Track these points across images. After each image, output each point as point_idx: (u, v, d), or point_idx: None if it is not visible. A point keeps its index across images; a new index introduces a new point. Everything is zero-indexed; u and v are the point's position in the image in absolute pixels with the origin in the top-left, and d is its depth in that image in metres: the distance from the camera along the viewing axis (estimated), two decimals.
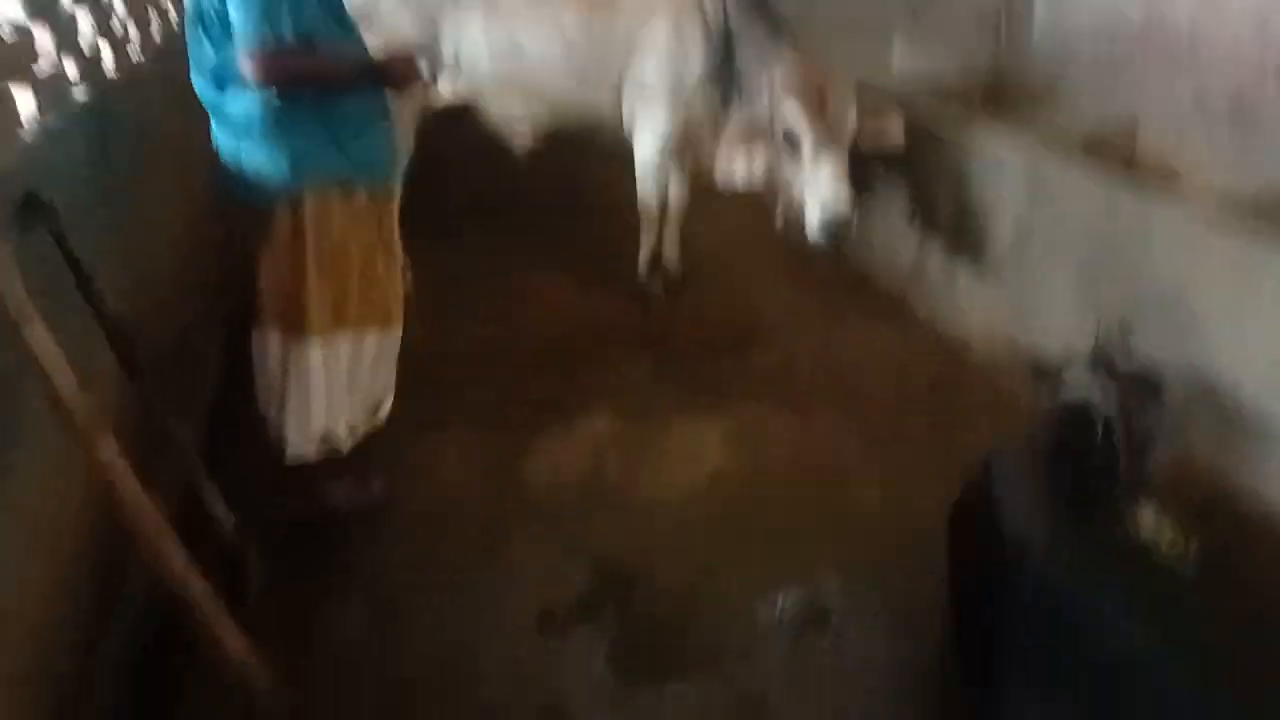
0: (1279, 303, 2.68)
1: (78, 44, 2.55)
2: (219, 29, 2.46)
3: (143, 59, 3.10)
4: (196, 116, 2.76)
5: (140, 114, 2.94)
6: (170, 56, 3.25)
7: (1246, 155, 3.95)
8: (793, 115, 3.69)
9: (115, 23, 2.93)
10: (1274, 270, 2.69)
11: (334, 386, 2.79)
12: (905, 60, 5.89)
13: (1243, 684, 1.82)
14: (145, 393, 2.27)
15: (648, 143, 4.20)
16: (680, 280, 4.62)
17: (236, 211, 2.64)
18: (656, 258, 4.53)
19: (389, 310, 2.86)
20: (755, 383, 3.84)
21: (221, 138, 2.60)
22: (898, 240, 4.39)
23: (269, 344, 2.71)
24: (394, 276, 2.85)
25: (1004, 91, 5.23)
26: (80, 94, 2.48)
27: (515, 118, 4.31)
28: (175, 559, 1.97)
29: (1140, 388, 2.50)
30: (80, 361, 2.04)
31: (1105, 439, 2.39)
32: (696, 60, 4.03)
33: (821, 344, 4.14)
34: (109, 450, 1.86)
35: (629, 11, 4.05)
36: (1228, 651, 1.90)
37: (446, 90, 4.19)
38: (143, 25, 3.23)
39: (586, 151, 4.71)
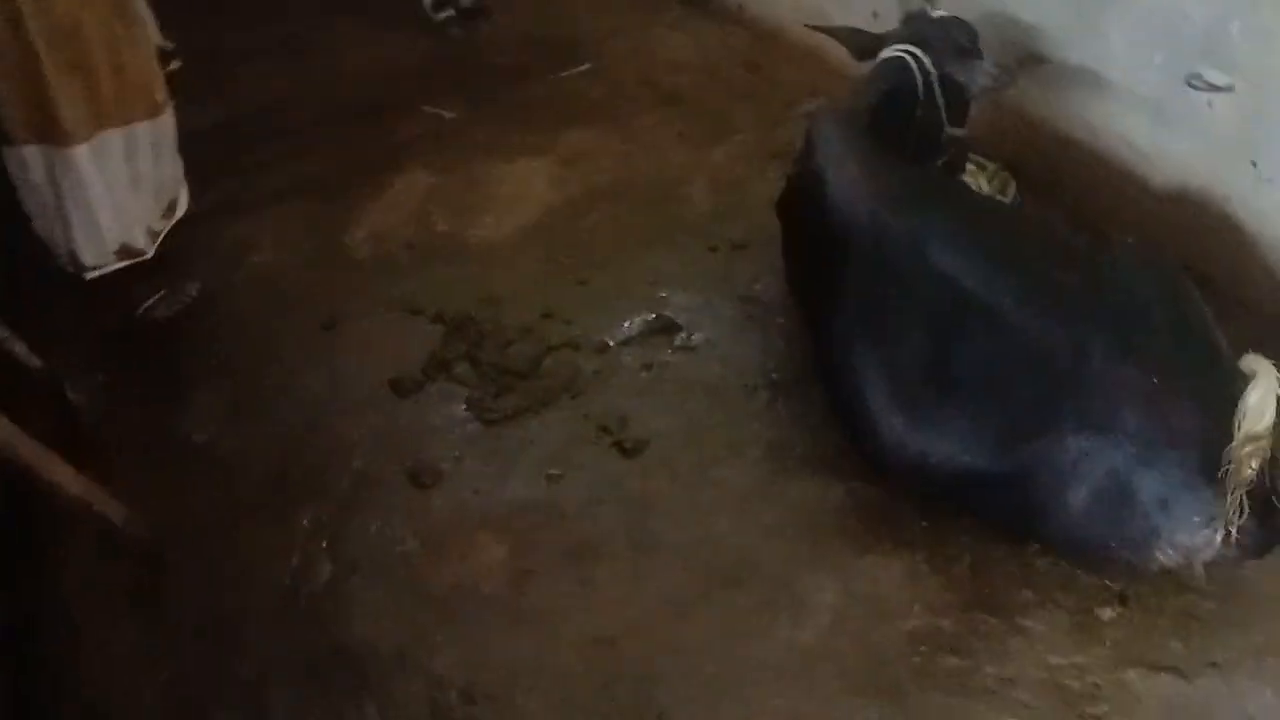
0: None
1: None
2: None
3: None
4: None
5: None
6: None
7: None
8: None
9: None
10: None
11: (116, 190, 2.56)
12: None
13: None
14: None
15: None
16: (477, 7, 4.29)
17: None
18: None
19: (152, 95, 2.58)
20: (573, 104, 3.69)
21: None
22: None
23: (28, 161, 2.44)
24: (147, 55, 2.56)
25: None
26: None
27: None
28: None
29: (953, 36, 2.49)
30: None
31: (926, 95, 2.40)
32: None
33: (635, 51, 3.98)
34: None
35: None
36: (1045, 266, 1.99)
37: None
38: None
39: None
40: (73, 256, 2.59)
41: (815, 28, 2.70)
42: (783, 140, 3.32)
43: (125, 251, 2.64)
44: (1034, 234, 2.16)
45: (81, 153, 2.45)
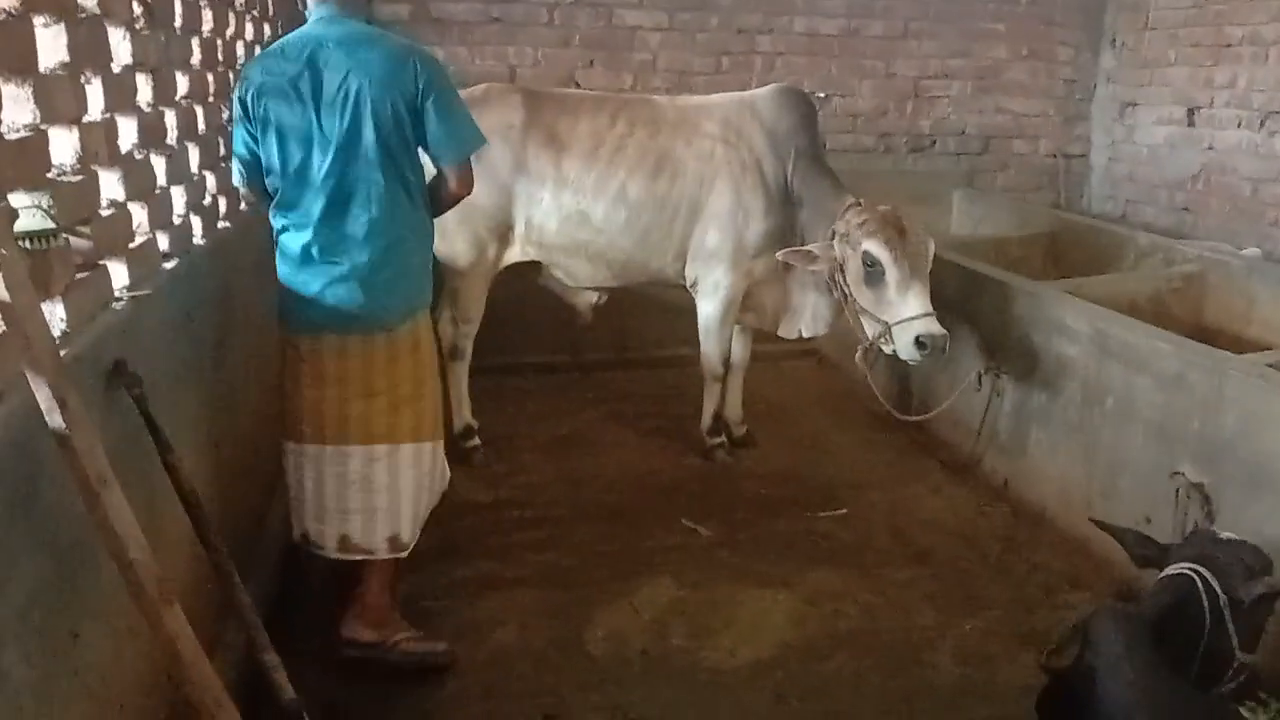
0: None
1: (171, 219, 2.68)
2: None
3: (229, 226, 3.25)
4: (270, 281, 2.94)
5: (224, 281, 3.07)
6: (252, 224, 3.43)
7: None
8: (876, 249, 3.73)
9: (206, 197, 3.08)
10: None
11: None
12: (963, 222, 5.99)
13: None
14: (216, 561, 2.27)
15: (711, 303, 4.27)
16: (745, 439, 4.61)
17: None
18: (719, 416, 4.51)
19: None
20: (824, 546, 3.75)
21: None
22: (966, 399, 4.34)
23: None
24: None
25: (1066, 249, 5.24)
26: (169, 265, 2.59)
27: (582, 278, 4.35)
28: None
29: (1243, 559, 2.39)
30: (154, 527, 2.08)
31: (1214, 619, 2.28)
32: (757, 224, 4.14)
33: (891, 505, 4.06)
34: (174, 620, 1.85)
35: (690, 178, 4.15)
36: None
37: (517, 253, 4.26)
38: (230, 196, 3.39)
39: (644, 305, 4.81)
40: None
41: (1102, 525, 2.65)
42: (1039, 626, 3.20)
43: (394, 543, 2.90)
44: None
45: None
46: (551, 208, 4.13)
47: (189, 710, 1.97)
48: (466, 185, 2.85)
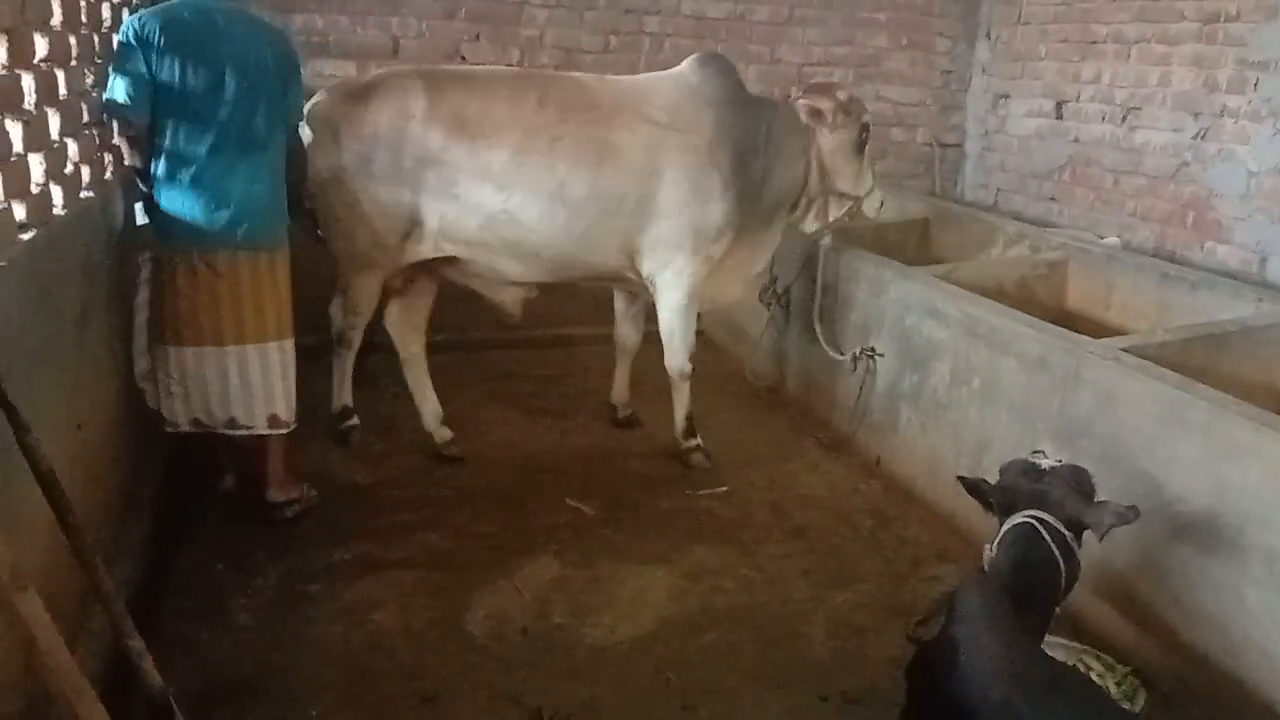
0: (1202, 446, 2.76)
1: (28, 188, 2.55)
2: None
3: (92, 196, 3.11)
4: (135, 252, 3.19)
5: (87, 254, 2.94)
6: (116, 198, 3.29)
7: (1169, 299, 4.13)
8: (868, 120, 4.17)
9: (68, 165, 2.94)
10: (1194, 416, 2.78)
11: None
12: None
13: None
14: (77, 546, 2.19)
15: (674, 294, 4.03)
16: (630, 419, 4.65)
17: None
18: (690, 417, 4.31)
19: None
20: (705, 523, 3.82)
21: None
22: (843, 380, 4.46)
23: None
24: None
25: (939, 234, 5.42)
26: (26, 237, 2.47)
27: (510, 275, 4.04)
28: None
29: (1076, 488, 2.50)
30: (9, 511, 1.99)
31: (1065, 558, 2.38)
32: (716, 206, 3.92)
33: (770, 482, 4.16)
34: (29, 605, 1.78)
35: (638, 169, 3.83)
36: None
37: (428, 249, 3.90)
38: (94, 165, 3.24)
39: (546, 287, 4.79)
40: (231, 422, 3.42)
41: (962, 479, 2.69)
42: (908, 599, 3.33)
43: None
44: None
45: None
46: (471, 204, 3.77)
47: (48, 700, 1.90)
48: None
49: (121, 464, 3.25)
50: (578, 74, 4.31)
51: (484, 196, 3.77)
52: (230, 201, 3.23)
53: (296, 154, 3.56)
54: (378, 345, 4.33)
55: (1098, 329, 4.01)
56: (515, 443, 4.41)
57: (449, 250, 3.92)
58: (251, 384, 3.40)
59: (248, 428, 3.44)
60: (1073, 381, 3.22)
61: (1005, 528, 2.48)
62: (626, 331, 4.54)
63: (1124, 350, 3.21)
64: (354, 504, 3.79)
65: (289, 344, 3.51)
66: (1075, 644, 2.97)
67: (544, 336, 5.39)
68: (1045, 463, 2.58)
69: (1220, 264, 4.67)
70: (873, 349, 4.23)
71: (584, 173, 3.78)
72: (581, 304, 4.30)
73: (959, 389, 3.76)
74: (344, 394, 4.28)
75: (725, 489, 4.08)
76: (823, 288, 4.53)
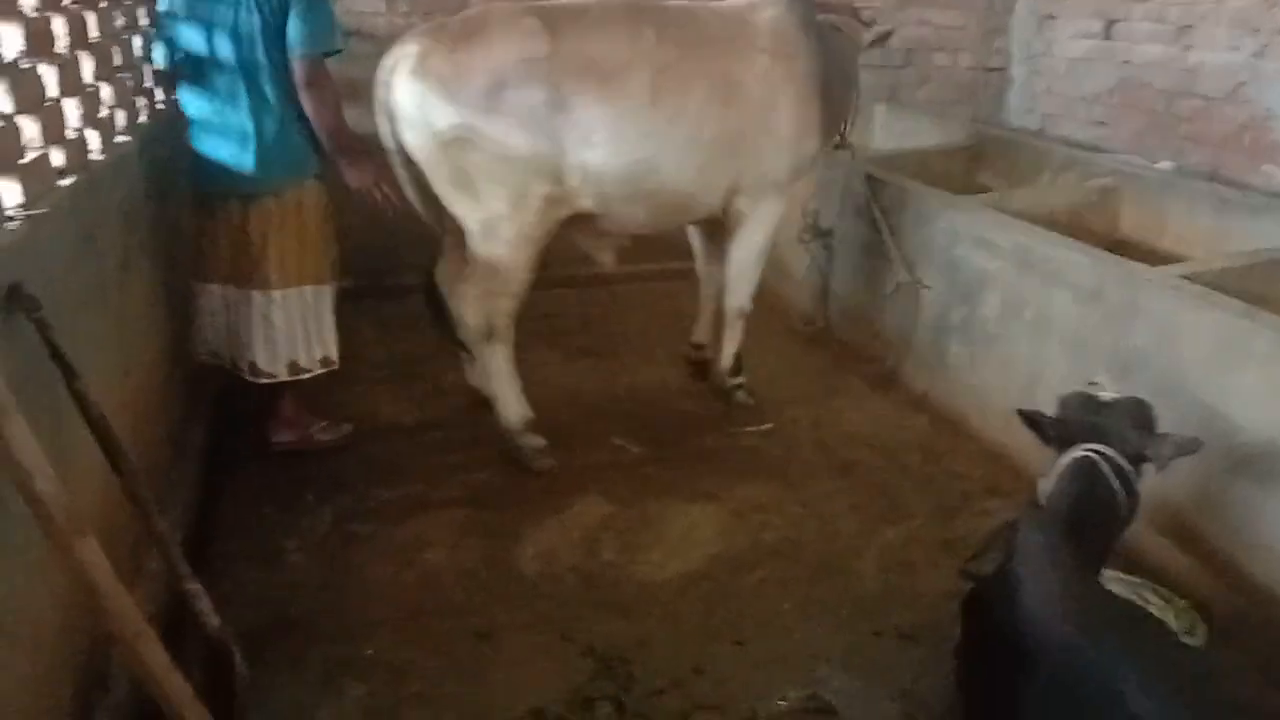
0: (1266, 377, 2.67)
1: (63, 134, 2.52)
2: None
3: (131, 141, 3.08)
4: (177, 200, 3.14)
5: (127, 198, 2.92)
6: (155, 142, 3.26)
7: (1228, 225, 4.00)
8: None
9: (103, 110, 2.91)
10: (1258, 345, 2.69)
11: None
12: (886, 136, 5.99)
13: None
14: (131, 489, 2.20)
15: (758, 235, 3.89)
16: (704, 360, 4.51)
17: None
18: (740, 355, 4.23)
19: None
20: (750, 461, 3.79)
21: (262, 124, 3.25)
22: (888, 314, 4.39)
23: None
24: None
25: (986, 162, 5.28)
26: (67, 182, 2.45)
27: (631, 226, 3.74)
28: (156, 662, 1.89)
29: (1136, 420, 2.44)
30: (63, 457, 1.99)
31: (1127, 493, 2.33)
32: (813, 140, 3.80)
33: (815, 420, 4.11)
34: (89, 551, 1.79)
35: (755, 103, 3.59)
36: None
37: (569, 209, 3.49)
38: (130, 110, 3.21)
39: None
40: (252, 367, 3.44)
41: (1021, 412, 2.63)
42: (959, 533, 3.29)
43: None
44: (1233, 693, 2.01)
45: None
46: (611, 153, 3.38)
47: (110, 643, 1.92)
48: (313, 80, 3.23)
49: (170, 409, 3.27)
50: (679, 1, 3.81)
51: (625, 144, 3.39)
52: (229, 144, 3.25)
53: (321, 88, 3.23)
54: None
55: (1152, 258, 3.89)
56: (558, 382, 4.38)
57: (586, 207, 3.50)
58: (275, 329, 3.40)
59: (270, 375, 3.45)
60: (1129, 312, 3.13)
61: (1064, 461, 2.43)
62: (713, 270, 4.30)
63: (1183, 278, 3.11)
64: (401, 445, 3.79)
65: (315, 290, 3.45)
66: (1133, 577, 2.92)
67: (582, 275, 5.32)
68: (1105, 395, 2.51)
69: (1279, 188, 4.51)
70: (919, 279, 4.14)
71: (714, 110, 3.51)
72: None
73: (1010, 321, 3.68)
74: (519, 402, 3.73)
75: (770, 426, 4.04)
76: (875, 219, 4.40)
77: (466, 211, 3.42)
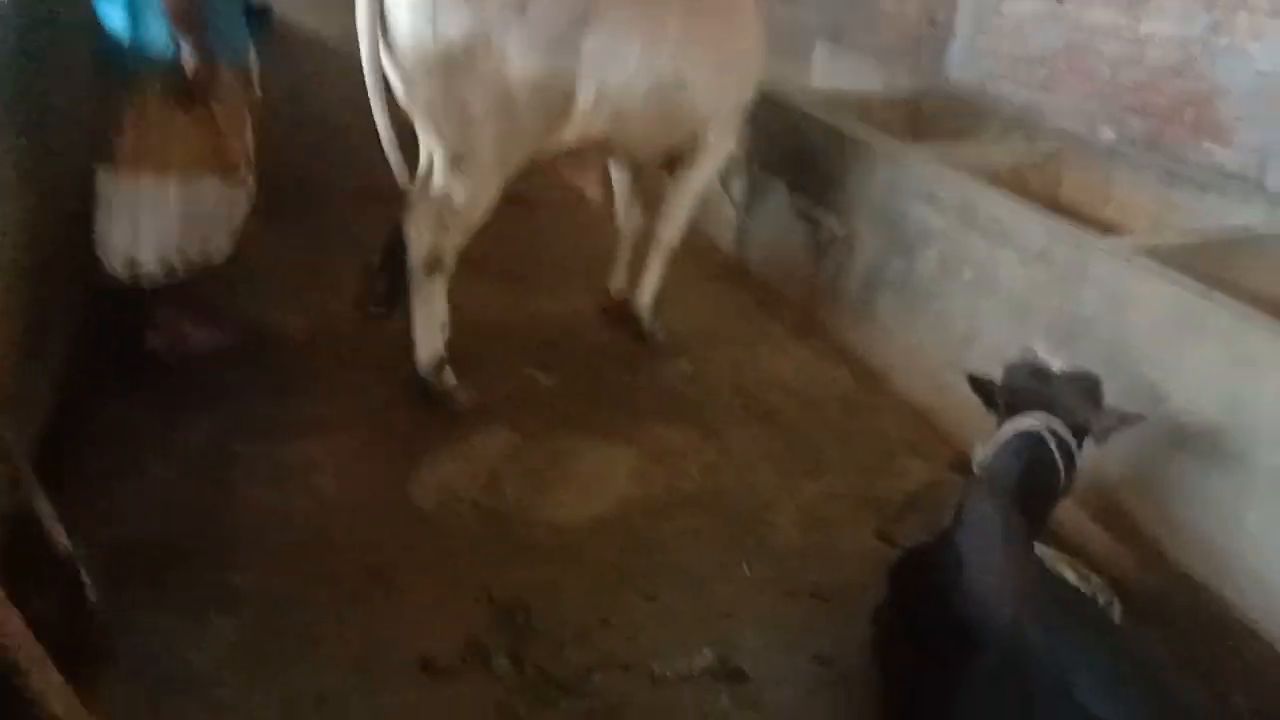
0: (1218, 356, 2.59)
1: None
2: None
3: None
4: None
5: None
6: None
7: (1174, 199, 3.94)
8: None
9: None
10: (1216, 323, 2.60)
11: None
12: (824, 77, 5.81)
13: None
14: None
15: (711, 162, 3.78)
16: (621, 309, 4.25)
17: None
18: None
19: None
20: (668, 400, 3.61)
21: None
22: (812, 260, 4.22)
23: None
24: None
25: (929, 115, 5.14)
26: None
27: (638, 157, 3.67)
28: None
29: (1083, 392, 2.37)
30: None
31: (1067, 468, 2.25)
32: (763, 59, 3.69)
33: (736, 363, 3.94)
34: None
35: (748, 26, 3.53)
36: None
37: (568, 136, 3.23)
38: None
39: None
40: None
41: (971, 377, 2.52)
42: (878, 492, 3.17)
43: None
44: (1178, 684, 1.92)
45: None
46: (638, 72, 3.13)
47: None
48: None
49: (25, 306, 2.88)
50: None
51: (656, 61, 3.16)
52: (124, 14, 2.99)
53: None
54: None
55: (1095, 225, 3.79)
56: (468, 305, 4.06)
57: (598, 131, 3.23)
58: (139, 222, 3.14)
59: (132, 271, 3.20)
60: (1077, 278, 3.02)
61: (1008, 430, 2.31)
62: (635, 212, 4.12)
63: (1137, 250, 3.00)
64: (291, 358, 3.50)
65: (205, 183, 3.20)
66: (1050, 550, 2.85)
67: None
68: (1053, 365, 2.42)
69: (1217, 166, 4.47)
70: (852, 227, 3.98)
71: (720, 24, 3.41)
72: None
73: (949, 279, 3.54)
74: (437, 338, 3.40)
75: (691, 368, 3.85)
76: (804, 160, 4.24)
77: (442, 140, 3.06)
